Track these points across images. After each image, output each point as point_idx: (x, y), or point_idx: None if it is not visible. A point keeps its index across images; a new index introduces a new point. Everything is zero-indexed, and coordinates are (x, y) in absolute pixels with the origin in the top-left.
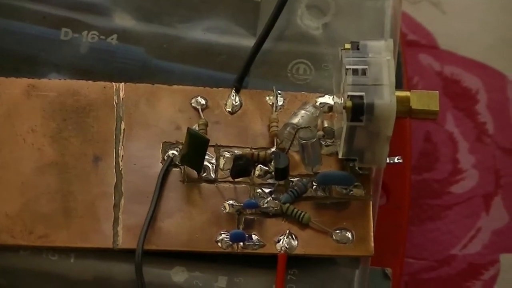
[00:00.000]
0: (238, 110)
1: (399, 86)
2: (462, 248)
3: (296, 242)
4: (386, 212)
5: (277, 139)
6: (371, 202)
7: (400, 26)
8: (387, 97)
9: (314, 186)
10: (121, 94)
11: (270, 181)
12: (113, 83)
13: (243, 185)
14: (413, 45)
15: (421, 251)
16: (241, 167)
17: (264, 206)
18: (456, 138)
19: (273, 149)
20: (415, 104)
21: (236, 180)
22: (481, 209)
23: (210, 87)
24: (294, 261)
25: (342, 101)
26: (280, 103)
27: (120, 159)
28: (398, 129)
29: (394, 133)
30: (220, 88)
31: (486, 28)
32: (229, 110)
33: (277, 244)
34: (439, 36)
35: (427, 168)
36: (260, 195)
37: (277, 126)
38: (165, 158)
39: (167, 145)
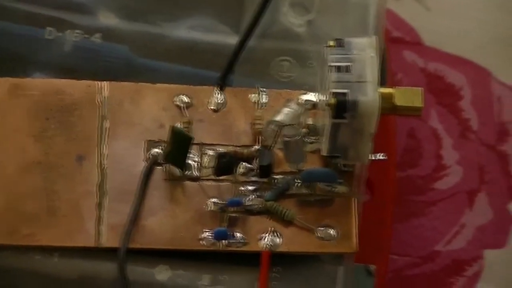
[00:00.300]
0: (222, 108)
1: (383, 82)
2: (446, 244)
3: (280, 239)
4: (370, 209)
5: (261, 137)
6: (354, 199)
7: (384, 23)
8: (370, 94)
9: (298, 184)
10: (105, 93)
11: (254, 178)
12: (97, 82)
13: (226, 183)
14: (397, 41)
15: (405, 248)
16: (225, 165)
17: (248, 203)
18: (440, 135)
19: (257, 147)
20: (399, 101)
21: (219, 178)
22: (465, 205)
23: (194, 85)
24: (279, 258)
25: (326, 98)
26: (264, 100)
27: (103, 158)
28: (382, 126)
29: (378, 129)
30: (204, 86)
31: (471, 24)
32: (213, 108)
33: (261, 242)
34: (423, 33)
35: (411, 165)
36: (243, 192)
37: (260, 124)
38: (149, 156)
39: (150, 144)
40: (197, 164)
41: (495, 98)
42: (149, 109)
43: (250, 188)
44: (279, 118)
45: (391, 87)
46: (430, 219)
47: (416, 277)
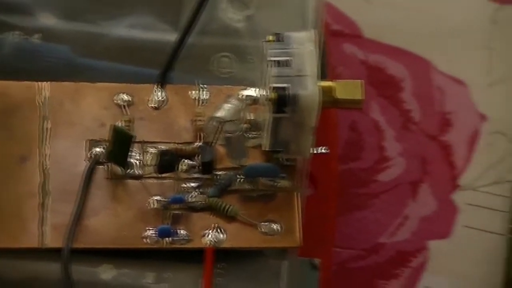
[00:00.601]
0: (163, 106)
1: (323, 76)
2: (390, 236)
3: (224, 235)
4: (313, 203)
5: (203, 133)
6: (297, 193)
7: (323, 16)
8: (310, 88)
9: (241, 179)
10: (46, 93)
11: (196, 175)
12: (37, 83)
13: (169, 180)
14: (337, 34)
15: (349, 240)
16: (167, 162)
17: (191, 200)
18: (382, 127)
19: (198, 143)
20: (339, 94)
21: (162, 175)
22: (408, 197)
23: (135, 84)
24: (223, 254)
25: (267, 93)
26: (205, 97)
27: (45, 158)
28: (323, 119)
29: (320, 123)
30: (144, 84)
31: (410, 15)
32: (154, 105)
33: (205, 238)
34: (363, 25)
35: (353, 157)
36: (186, 189)
37: (202, 120)
38: (91, 155)
39: (92, 143)
40: (139, 162)
41: (436, 88)
42: (90, 108)
43: (192, 185)
44: (220, 114)
45: (332, 81)
46: (373, 211)
47: (361, 270)
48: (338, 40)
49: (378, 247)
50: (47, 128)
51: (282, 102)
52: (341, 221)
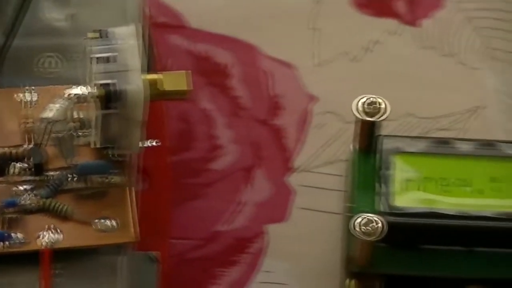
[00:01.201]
0: None
1: (151, 69)
2: (227, 224)
3: (60, 235)
4: (148, 196)
5: (32, 135)
6: (130, 188)
7: (146, 9)
8: (135, 82)
9: (74, 178)
10: None
11: (28, 177)
12: None
13: (0, 185)
14: (162, 26)
15: (186, 231)
16: None
17: (24, 203)
18: (212, 115)
19: (28, 146)
20: (166, 86)
21: None
22: (243, 183)
23: None
24: (62, 254)
25: (93, 90)
26: (32, 98)
27: None
28: (152, 112)
29: (149, 116)
30: None
31: (234, 2)
32: None
33: (41, 240)
34: (188, 15)
35: (185, 148)
36: (18, 192)
37: (27, 122)
38: None
39: None
40: None
41: (264, 73)
42: None
43: (25, 187)
44: (48, 114)
45: (159, 73)
46: (208, 200)
47: (200, 259)
48: (163, 32)
49: (216, 236)
50: None
51: (109, 98)
52: (177, 212)
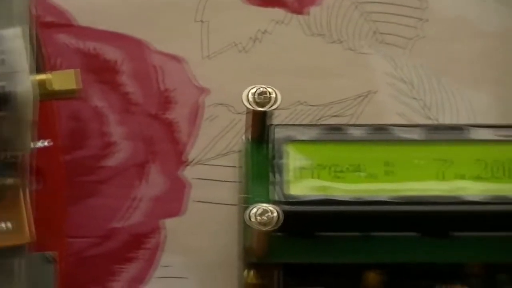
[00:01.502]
0: None
1: (40, 69)
2: (123, 220)
3: None
4: (43, 196)
5: None
6: (23, 189)
7: (33, 9)
8: (24, 84)
9: None
10: None
11: None
12: None
13: None
14: (50, 26)
15: (82, 229)
16: None
17: None
18: (104, 112)
19: None
20: (55, 85)
21: None
22: (137, 179)
23: None
24: None
25: None
26: None
27: None
28: (43, 112)
29: (40, 116)
30: None
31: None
32: None
33: None
34: (76, 14)
35: (78, 146)
36: None
37: None
38: None
39: None
40: None
41: (154, 68)
42: None
43: None
44: None
45: (48, 73)
46: (103, 197)
47: (97, 257)
48: (52, 31)
49: (112, 233)
50: None
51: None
52: (73, 210)
